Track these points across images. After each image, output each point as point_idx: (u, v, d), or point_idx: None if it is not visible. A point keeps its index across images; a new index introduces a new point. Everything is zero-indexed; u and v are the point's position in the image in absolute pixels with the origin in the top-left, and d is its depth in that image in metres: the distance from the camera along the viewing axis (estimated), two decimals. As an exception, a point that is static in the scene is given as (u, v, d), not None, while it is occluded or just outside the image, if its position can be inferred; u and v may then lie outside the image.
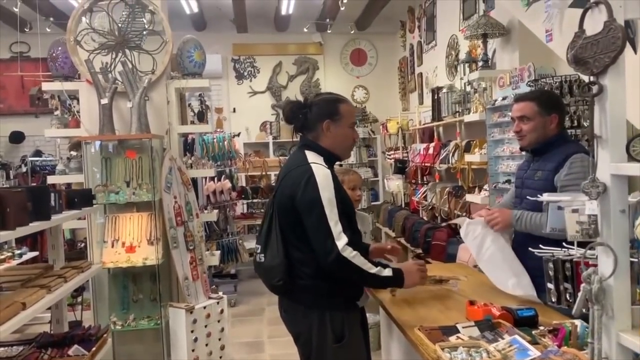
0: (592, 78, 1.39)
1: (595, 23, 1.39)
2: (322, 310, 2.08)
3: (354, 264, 1.98)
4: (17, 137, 8.00)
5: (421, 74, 7.77)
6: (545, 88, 3.32)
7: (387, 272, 2.07)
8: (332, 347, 2.06)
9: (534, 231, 2.30)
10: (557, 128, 2.45)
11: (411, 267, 2.20)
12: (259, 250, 2.15)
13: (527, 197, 2.33)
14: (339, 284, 2.08)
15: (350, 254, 1.98)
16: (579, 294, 1.43)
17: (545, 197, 1.95)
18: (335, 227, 1.98)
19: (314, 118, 2.16)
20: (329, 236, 1.98)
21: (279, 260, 2.07)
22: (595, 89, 1.38)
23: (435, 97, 6.16)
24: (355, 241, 2.06)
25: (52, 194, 2.57)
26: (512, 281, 2.36)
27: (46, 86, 3.92)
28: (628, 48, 1.36)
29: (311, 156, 2.12)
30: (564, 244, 1.80)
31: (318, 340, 2.08)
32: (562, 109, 2.54)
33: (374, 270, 2.03)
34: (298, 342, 2.20)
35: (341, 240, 1.98)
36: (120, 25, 3.66)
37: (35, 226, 2.32)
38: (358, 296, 2.19)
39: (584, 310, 1.43)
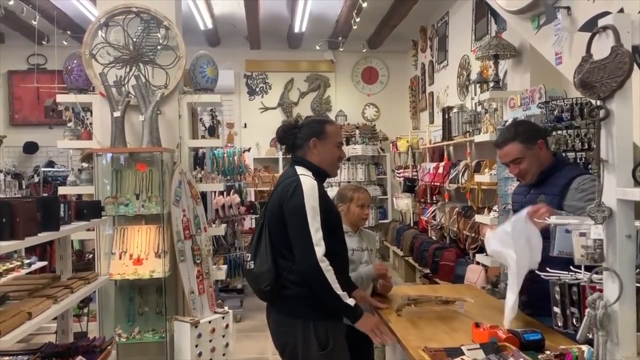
0: (599, 102, 1.40)
1: (602, 48, 1.40)
2: (306, 320, 2.20)
3: (325, 278, 2.11)
4: (30, 148, 8.11)
5: (432, 93, 7.79)
6: (522, 118, 3.33)
7: (350, 302, 2.18)
8: (317, 355, 2.16)
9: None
10: (548, 151, 2.44)
11: (371, 318, 2.28)
12: (249, 258, 2.33)
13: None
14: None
15: (326, 268, 2.12)
16: (584, 319, 1.41)
17: (553, 219, 1.93)
18: (316, 234, 2.13)
19: (303, 137, 2.36)
20: (308, 241, 2.13)
21: (267, 266, 2.22)
22: (601, 113, 1.38)
23: (446, 117, 6.17)
24: (337, 252, 2.23)
25: (62, 205, 2.59)
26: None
27: (60, 98, 3.97)
28: (636, 72, 1.37)
29: (300, 170, 2.30)
30: (571, 267, 1.79)
31: (303, 349, 2.18)
32: (543, 132, 2.50)
33: (339, 292, 2.14)
34: (285, 355, 2.30)
35: (320, 247, 2.12)
36: (135, 39, 3.72)
37: (43, 236, 2.35)
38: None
39: (588, 335, 1.42)
